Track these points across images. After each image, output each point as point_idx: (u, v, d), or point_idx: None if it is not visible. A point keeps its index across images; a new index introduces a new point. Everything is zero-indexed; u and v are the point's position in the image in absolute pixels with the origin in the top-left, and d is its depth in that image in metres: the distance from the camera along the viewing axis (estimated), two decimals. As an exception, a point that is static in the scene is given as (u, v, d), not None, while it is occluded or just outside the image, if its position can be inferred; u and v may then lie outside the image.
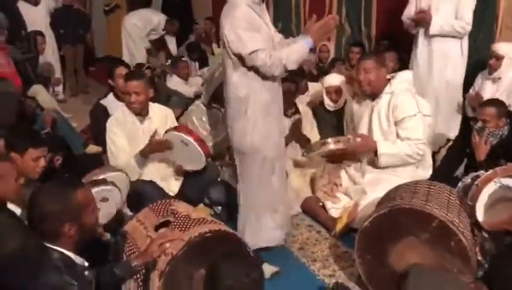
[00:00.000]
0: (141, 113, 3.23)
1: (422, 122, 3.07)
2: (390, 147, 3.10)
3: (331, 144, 3.15)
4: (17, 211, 2.24)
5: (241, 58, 2.49)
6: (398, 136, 3.11)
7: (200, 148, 3.06)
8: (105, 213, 2.64)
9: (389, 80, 3.18)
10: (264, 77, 2.54)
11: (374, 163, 3.20)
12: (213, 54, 6.73)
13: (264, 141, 2.63)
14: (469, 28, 3.66)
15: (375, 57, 3.19)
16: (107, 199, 2.66)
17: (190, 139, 3.05)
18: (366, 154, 3.22)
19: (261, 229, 2.75)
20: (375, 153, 3.12)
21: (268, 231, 2.78)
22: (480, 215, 2.38)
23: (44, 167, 2.63)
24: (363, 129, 3.27)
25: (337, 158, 3.46)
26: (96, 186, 2.57)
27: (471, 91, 3.78)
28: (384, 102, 3.14)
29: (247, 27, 2.44)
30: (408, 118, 3.04)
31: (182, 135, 3.06)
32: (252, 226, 2.75)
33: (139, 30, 6.62)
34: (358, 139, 3.14)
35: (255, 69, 2.51)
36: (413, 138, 3.05)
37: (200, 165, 3.21)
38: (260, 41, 2.46)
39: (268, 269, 2.68)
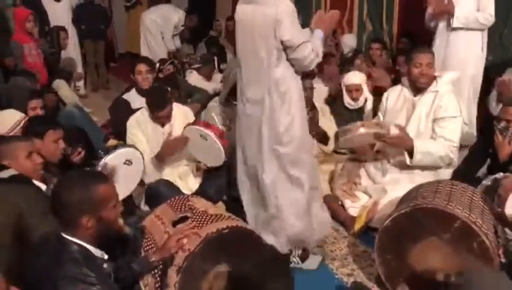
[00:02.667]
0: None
1: (460, 126, 3.08)
2: (427, 145, 3.05)
3: (369, 128, 3.04)
4: (42, 187, 2.28)
5: (288, 48, 2.45)
6: (433, 132, 3.08)
7: (218, 142, 3.03)
8: (132, 177, 2.79)
9: (435, 77, 3.15)
10: (297, 71, 2.54)
11: (398, 162, 3.15)
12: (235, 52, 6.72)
13: (306, 136, 2.69)
14: (492, 19, 3.59)
15: (432, 53, 3.19)
16: (131, 161, 2.78)
17: (209, 132, 3.02)
18: (396, 149, 3.14)
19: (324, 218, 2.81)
20: (408, 150, 3.04)
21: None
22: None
23: (64, 149, 2.70)
24: (399, 123, 3.19)
25: (362, 151, 3.39)
26: (118, 148, 2.73)
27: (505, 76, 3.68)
28: (428, 100, 3.12)
29: (296, 17, 2.45)
30: (449, 118, 3.03)
31: (201, 129, 3.05)
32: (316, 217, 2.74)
33: (158, 26, 6.61)
34: (396, 131, 3.04)
35: (294, 62, 2.49)
36: (448, 139, 3.03)
37: (219, 160, 3.17)
38: (305, 33, 2.48)
39: (314, 260, 2.75)
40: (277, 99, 2.52)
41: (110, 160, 2.72)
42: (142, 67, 3.87)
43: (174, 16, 6.73)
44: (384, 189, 3.14)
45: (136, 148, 2.96)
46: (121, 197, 2.56)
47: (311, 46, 2.46)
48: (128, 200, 2.98)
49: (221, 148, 3.05)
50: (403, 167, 3.14)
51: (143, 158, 2.95)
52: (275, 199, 2.62)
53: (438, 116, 3.05)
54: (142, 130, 3.21)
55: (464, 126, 3.16)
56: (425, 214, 2.32)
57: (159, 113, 3.15)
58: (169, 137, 3.14)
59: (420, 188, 2.60)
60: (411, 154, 3.04)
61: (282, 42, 2.43)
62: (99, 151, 2.82)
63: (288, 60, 2.49)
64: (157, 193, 3.04)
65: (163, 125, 3.23)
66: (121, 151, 2.83)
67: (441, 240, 2.29)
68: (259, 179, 2.65)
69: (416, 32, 4.64)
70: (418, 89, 3.17)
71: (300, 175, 2.62)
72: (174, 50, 6.74)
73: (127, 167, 2.79)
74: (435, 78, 3.15)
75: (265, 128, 2.57)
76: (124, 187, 2.76)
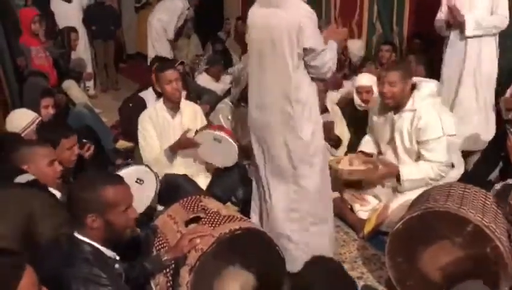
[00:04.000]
0: (173, 108, 3.26)
1: (446, 144, 3.00)
2: (414, 172, 3.04)
3: (347, 173, 3.12)
4: (57, 194, 2.28)
5: (309, 55, 2.40)
6: (420, 154, 3.05)
7: (234, 143, 3.09)
8: (143, 195, 2.68)
9: (413, 89, 3.05)
10: (312, 78, 2.51)
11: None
12: (244, 51, 6.74)
13: (322, 143, 2.64)
14: (507, 21, 3.56)
15: (401, 69, 3.04)
16: (142, 180, 2.70)
17: (223, 135, 3.07)
18: (388, 179, 3.18)
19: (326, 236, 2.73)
20: (397, 177, 3.08)
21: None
22: None
23: (78, 154, 2.70)
24: (384, 141, 3.23)
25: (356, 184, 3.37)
26: (129, 167, 2.68)
27: (508, 92, 3.67)
28: (407, 119, 3.05)
29: (317, 22, 2.41)
30: (432, 140, 2.98)
31: (215, 132, 3.09)
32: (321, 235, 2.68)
33: (164, 23, 6.58)
34: (381, 167, 3.11)
35: (313, 69, 2.45)
36: (436, 161, 2.99)
37: (232, 160, 3.21)
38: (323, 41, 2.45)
39: None
40: (297, 105, 2.46)
41: (122, 174, 2.62)
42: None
43: (178, 4, 6.66)
44: (394, 192, 3.13)
45: (149, 168, 2.89)
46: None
47: (329, 55, 2.44)
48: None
49: (237, 149, 3.09)
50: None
51: (157, 177, 2.89)
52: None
53: (420, 139, 3.01)
54: (154, 124, 3.23)
55: (453, 139, 3.08)
56: (437, 218, 2.30)
57: (165, 71, 3.20)
58: (185, 134, 3.15)
59: (432, 191, 2.58)
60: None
61: (304, 49, 2.37)
62: (117, 160, 2.77)
63: (305, 66, 2.45)
64: (177, 186, 3.02)
65: (173, 116, 3.27)
66: (132, 169, 2.78)
67: (452, 243, 2.27)
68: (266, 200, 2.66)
69: (427, 33, 4.61)
70: (394, 107, 3.10)
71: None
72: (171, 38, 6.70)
73: (137, 186, 2.71)
74: (410, 93, 3.04)
75: (288, 137, 2.51)
76: (144, 198, 2.71)
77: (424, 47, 4.78)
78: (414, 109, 3.01)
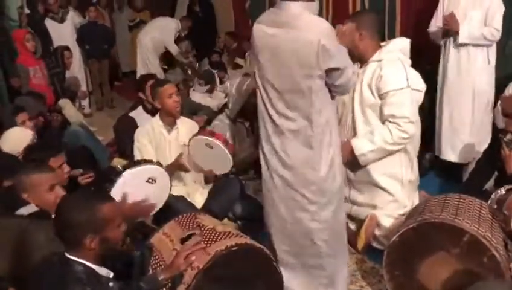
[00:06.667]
0: (170, 123, 3.26)
1: (410, 97, 2.76)
2: (366, 144, 2.82)
3: None
4: None
5: (333, 74, 2.19)
6: (381, 113, 2.82)
7: (224, 148, 3.04)
8: (157, 195, 2.63)
9: (380, 46, 2.89)
10: (333, 96, 2.33)
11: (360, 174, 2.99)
12: (236, 66, 6.78)
13: (340, 174, 2.42)
14: (499, 34, 3.59)
15: (354, 21, 2.82)
16: (154, 179, 2.63)
17: (214, 140, 3.04)
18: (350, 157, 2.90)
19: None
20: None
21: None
22: None
23: (69, 171, 2.68)
24: (342, 98, 2.93)
25: None
26: (140, 165, 2.61)
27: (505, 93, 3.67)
28: (370, 70, 2.85)
29: (335, 38, 2.23)
30: (393, 92, 2.73)
31: (206, 137, 3.06)
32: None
33: (158, 40, 6.60)
34: None
35: (337, 88, 2.28)
36: (398, 116, 2.74)
37: (227, 167, 3.18)
38: (346, 55, 2.28)
39: None
40: (317, 129, 2.26)
41: (130, 176, 2.61)
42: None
43: (171, 23, 6.75)
44: (370, 205, 3.03)
45: (160, 165, 2.82)
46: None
47: (352, 68, 2.30)
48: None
49: (228, 154, 3.06)
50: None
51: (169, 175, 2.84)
52: None
53: (381, 92, 2.77)
54: (150, 138, 3.22)
55: (419, 95, 2.84)
56: (434, 229, 2.30)
57: (166, 86, 3.22)
58: (180, 157, 3.13)
59: (427, 202, 2.59)
60: None
61: (326, 70, 2.17)
62: (118, 166, 2.70)
63: (328, 85, 2.25)
64: (174, 209, 2.95)
65: (170, 131, 3.27)
66: (143, 168, 2.69)
67: (449, 254, 2.28)
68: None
69: (420, 45, 4.64)
70: (362, 61, 2.91)
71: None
72: (180, 52, 6.72)
73: (150, 185, 2.65)
74: (379, 47, 2.90)
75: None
76: (157, 198, 2.64)
77: (415, 57, 4.80)
78: (380, 59, 2.84)
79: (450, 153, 3.88)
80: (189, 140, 3.15)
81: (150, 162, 2.80)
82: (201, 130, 3.29)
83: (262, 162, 2.46)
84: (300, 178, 2.32)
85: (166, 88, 3.23)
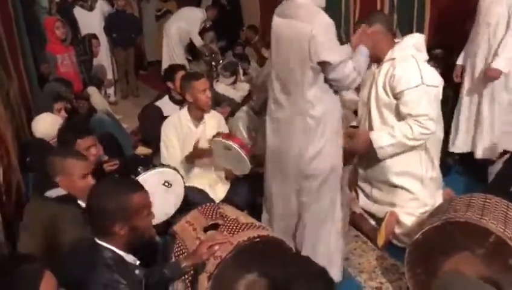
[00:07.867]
0: (197, 117, 3.25)
1: (426, 94, 2.69)
2: (386, 137, 2.79)
3: None
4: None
5: (325, 68, 2.28)
6: (399, 112, 2.78)
7: (241, 151, 3.02)
8: (170, 201, 2.67)
9: (393, 44, 2.86)
10: (336, 91, 2.40)
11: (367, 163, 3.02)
12: (262, 58, 6.76)
13: (338, 161, 2.56)
14: None
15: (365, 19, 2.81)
16: (170, 183, 2.67)
17: (231, 143, 3.03)
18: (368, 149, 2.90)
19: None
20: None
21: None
22: None
23: (96, 154, 2.68)
24: (362, 99, 3.02)
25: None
26: (159, 167, 2.64)
27: None
28: (384, 70, 2.84)
29: (334, 32, 2.28)
30: (408, 90, 2.68)
31: (224, 140, 3.06)
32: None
33: (184, 30, 6.65)
34: (355, 139, 2.90)
35: (333, 82, 2.34)
36: (416, 114, 2.69)
37: (245, 168, 3.17)
38: (345, 49, 2.34)
39: None
40: (310, 120, 2.38)
41: (148, 177, 2.65)
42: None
43: (198, 12, 6.79)
44: (390, 203, 3.03)
45: (178, 171, 2.88)
46: (157, 221, 2.51)
47: (352, 65, 2.32)
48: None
49: (245, 156, 3.05)
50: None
51: (184, 182, 2.89)
52: None
53: (395, 91, 2.74)
54: (177, 133, 3.22)
55: (436, 91, 2.77)
56: (458, 228, 2.28)
57: (200, 80, 3.17)
58: (197, 143, 3.16)
59: (452, 202, 2.56)
60: None
61: (318, 63, 2.26)
62: (139, 168, 2.72)
63: (326, 80, 2.34)
64: (193, 201, 2.99)
65: (197, 125, 3.26)
66: (161, 170, 2.75)
67: (474, 255, 2.24)
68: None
69: (450, 42, 4.55)
70: (379, 60, 2.89)
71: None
72: (204, 44, 6.77)
73: (165, 189, 2.70)
74: (392, 45, 2.85)
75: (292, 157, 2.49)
76: (160, 212, 2.62)
77: (444, 55, 4.72)
78: (393, 58, 2.81)
79: (475, 149, 3.77)
80: (212, 138, 3.16)
81: (167, 166, 2.87)
82: (220, 133, 3.28)
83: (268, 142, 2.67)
84: (292, 166, 2.51)
85: (201, 83, 3.16)
